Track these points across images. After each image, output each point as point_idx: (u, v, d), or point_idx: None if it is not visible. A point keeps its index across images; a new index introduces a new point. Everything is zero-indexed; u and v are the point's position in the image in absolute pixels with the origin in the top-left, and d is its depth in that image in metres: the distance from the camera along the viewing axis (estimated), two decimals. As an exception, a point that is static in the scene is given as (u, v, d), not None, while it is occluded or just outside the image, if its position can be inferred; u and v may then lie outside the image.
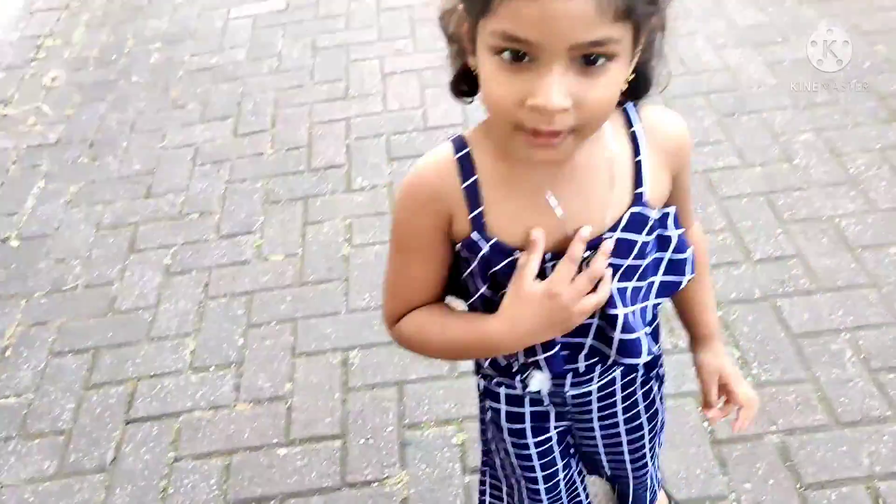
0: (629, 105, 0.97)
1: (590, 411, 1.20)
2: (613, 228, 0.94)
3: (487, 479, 1.43)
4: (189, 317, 2.37)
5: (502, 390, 1.19)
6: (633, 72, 0.86)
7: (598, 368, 1.11)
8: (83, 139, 3.16)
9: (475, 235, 0.94)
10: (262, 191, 2.79)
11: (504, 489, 1.39)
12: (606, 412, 1.22)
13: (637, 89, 0.91)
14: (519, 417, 1.21)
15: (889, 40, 3.09)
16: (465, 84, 0.95)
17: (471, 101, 0.98)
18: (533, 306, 0.92)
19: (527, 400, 1.19)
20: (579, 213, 0.93)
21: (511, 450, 1.25)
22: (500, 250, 0.94)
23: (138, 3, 4.09)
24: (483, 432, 1.34)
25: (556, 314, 0.92)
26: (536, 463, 1.26)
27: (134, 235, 2.67)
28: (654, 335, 1.17)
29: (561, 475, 1.29)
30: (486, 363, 1.17)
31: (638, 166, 0.96)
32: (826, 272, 2.21)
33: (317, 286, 2.40)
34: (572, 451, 1.32)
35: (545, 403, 1.20)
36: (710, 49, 3.15)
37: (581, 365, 1.08)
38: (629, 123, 0.97)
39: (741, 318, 2.14)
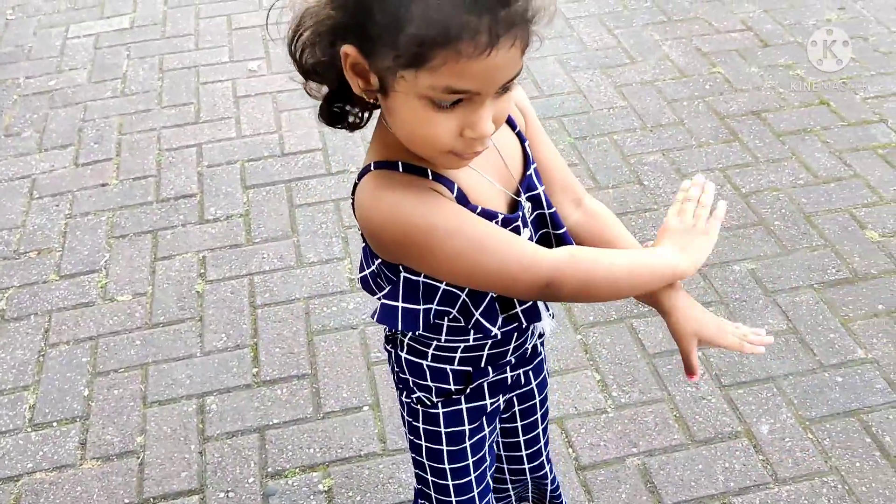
0: None
1: (528, 376, 1.27)
2: (532, 186, 1.05)
3: None
4: (27, 367, 2.19)
5: (464, 405, 1.18)
6: None
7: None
8: None
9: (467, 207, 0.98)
10: (107, 225, 2.63)
11: None
12: (538, 378, 1.31)
13: None
14: (476, 428, 1.22)
15: (727, 61, 3.26)
16: (337, 107, 0.98)
17: (341, 127, 1.01)
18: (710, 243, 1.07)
19: (488, 404, 1.21)
20: (505, 176, 1.03)
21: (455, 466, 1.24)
22: (487, 215, 0.98)
23: (-36, 19, 3.78)
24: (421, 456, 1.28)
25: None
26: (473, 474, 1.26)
27: (-38, 279, 2.45)
28: None
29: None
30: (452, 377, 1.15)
31: (511, 125, 1.06)
32: (678, 291, 2.29)
33: (168, 327, 2.27)
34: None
35: (508, 373, 1.21)
36: (563, 72, 3.23)
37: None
38: None
39: (599, 341, 2.19)
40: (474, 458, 1.23)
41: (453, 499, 1.26)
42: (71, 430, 2.03)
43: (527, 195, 1.05)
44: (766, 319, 2.22)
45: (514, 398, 1.30)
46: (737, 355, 2.13)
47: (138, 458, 1.96)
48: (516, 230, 1.01)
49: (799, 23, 3.46)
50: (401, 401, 1.23)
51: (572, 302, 1.10)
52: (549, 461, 1.47)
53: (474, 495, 1.27)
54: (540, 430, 1.39)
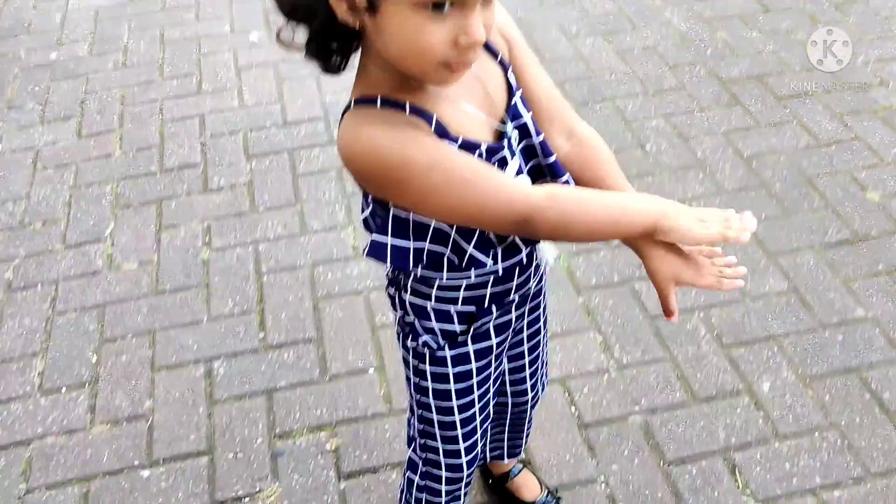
0: None
1: (538, 303, 1.32)
2: (517, 114, 1.04)
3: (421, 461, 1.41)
4: (36, 335, 2.21)
5: (470, 347, 1.21)
6: None
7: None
8: None
9: (445, 140, 0.98)
10: (112, 195, 2.64)
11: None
12: (543, 307, 1.37)
13: None
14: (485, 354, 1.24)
15: (729, 26, 3.25)
16: (332, 44, 0.96)
17: (341, 67, 0.98)
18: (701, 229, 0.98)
19: (493, 335, 1.23)
20: (488, 106, 1.03)
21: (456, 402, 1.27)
22: (469, 146, 0.98)
23: (-37, -7, 3.78)
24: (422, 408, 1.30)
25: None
26: (477, 405, 1.29)
27: (-31, 249, 2.48)
28: None
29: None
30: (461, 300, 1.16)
31: (493, 53, 1.04)
32: (679, 254, 2.30)
33: (175, 294, 2.29)
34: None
35: (513, 310, 1.23)
36: (564, 38, 3.22)
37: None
38: None
39: (602, 303, 2.20)
40: (479, 392, 1.26)
41: (459, 432, 1.28)
42: (80, 396, 2.06)
43: (513, 124, 1.05)
44: (767, 280, 2.24)
45: (525, 335, 1.35)
46: (738, 315, 2.15)
47: (147, 421, 1.99)
48: (503, 160, 1.02)
49: (801, -13, 3.45)
50: (405, 346, 1.25)
51: (549, 240, 1.10)
52: (545, 376, 1.54)
53: (476, 424, 1.30)
54: (541, 348, 1.44)
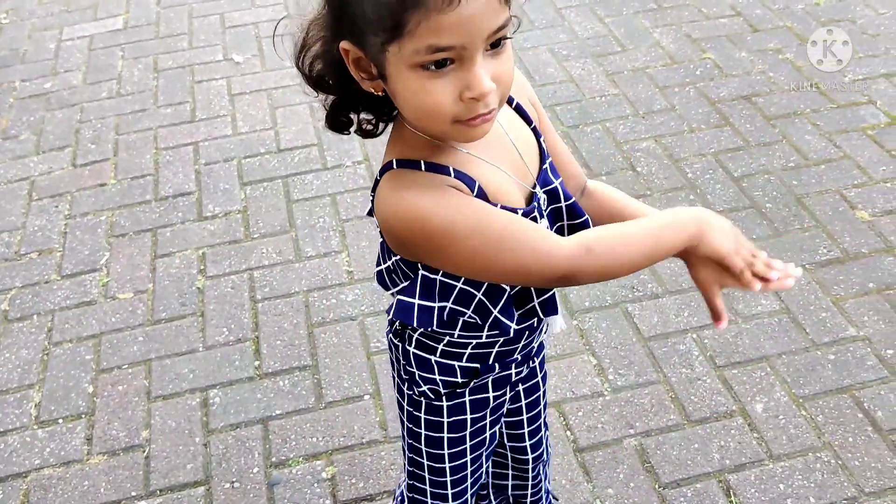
0: None
1: (534, 370, 1.31)
2: (548, 180, 1.07)
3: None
4: (32, 366, 2.22)
5: (467, 398, 1.21)
6: None
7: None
8: None
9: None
10: (107, 224, 2.66)
11: None
12: (542, 371, 1.35)
13: None
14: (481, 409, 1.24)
15: (717, 47, 3.29)
16: (344, 116, 1.03)
17: (349, 133, 1.06)
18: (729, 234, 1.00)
19: (491, 397, 1.23)
20: (521, 170, 1.05)
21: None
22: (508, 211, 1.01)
23: (-42, 24, 3.81)
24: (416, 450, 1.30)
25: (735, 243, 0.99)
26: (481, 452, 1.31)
27: (-35, 281, 2.49)
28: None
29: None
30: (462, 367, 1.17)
31: (526, 120, 1.08)
32: (671, 275, 2.32)
33: (170, 323, 2.30)
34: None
35: (517, 376, 1.24)
36: (555, 61, 3.25)
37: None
38: None
39: (595, 326, 2.22)
40: (473, 443, 1.26)
41: (448, 479, 1.28)
42: (77, 427, 2.06)
43: (543, 189, 1.07)
44: (758, 300, 2.26)
45: (521, 390, 1.32)
46: (731, 336, 2.16)
47: (144, 451, 1.99)
48: (533, 220, 1.03)
49: (788, 7, 3.48)
50: (401, 391, 1.24)
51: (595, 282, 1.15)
52: (548, 451, 1.51)
53: (467, 474, 1.30)
54: (542, 418, 1.42)
